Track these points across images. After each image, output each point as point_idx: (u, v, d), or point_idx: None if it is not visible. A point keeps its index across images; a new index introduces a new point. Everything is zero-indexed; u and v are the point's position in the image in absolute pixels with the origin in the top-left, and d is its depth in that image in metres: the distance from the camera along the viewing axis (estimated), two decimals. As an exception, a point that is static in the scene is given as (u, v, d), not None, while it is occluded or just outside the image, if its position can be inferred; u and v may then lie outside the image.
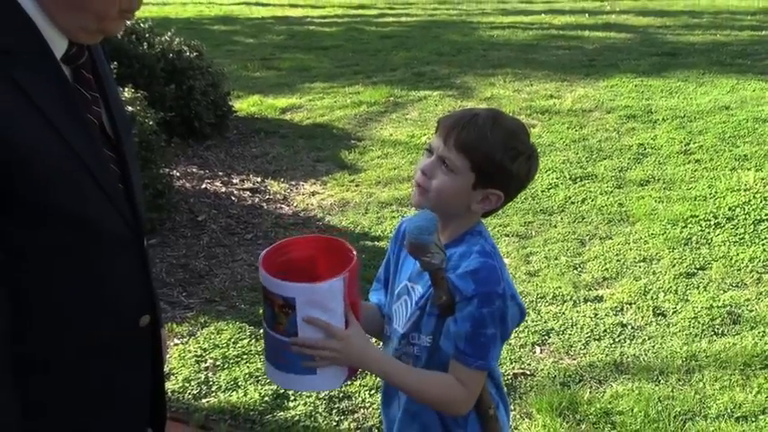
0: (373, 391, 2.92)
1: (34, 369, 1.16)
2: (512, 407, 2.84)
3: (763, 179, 5.08)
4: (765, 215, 4.54)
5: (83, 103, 1.21)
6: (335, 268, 1.44)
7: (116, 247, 1.26)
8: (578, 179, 5.24)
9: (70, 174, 1.14)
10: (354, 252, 1.49)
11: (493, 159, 1.44)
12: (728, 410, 2.82)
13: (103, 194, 1.20)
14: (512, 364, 3.14)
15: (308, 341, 1.40)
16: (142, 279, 1.35)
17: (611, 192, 5.02)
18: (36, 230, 1.12)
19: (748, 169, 5.29)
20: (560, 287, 3.78)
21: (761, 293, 3.68)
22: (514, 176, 1.48)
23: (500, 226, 4.44)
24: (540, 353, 3.25)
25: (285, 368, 1.47)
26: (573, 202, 4.87)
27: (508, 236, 4.37)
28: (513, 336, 3.28)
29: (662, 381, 3.01)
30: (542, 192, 5.02)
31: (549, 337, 3.35)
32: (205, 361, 3.20)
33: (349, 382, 2.96)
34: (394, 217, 4.68)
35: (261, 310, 3.47)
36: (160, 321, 1.44)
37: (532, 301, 3.63)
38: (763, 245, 4.19)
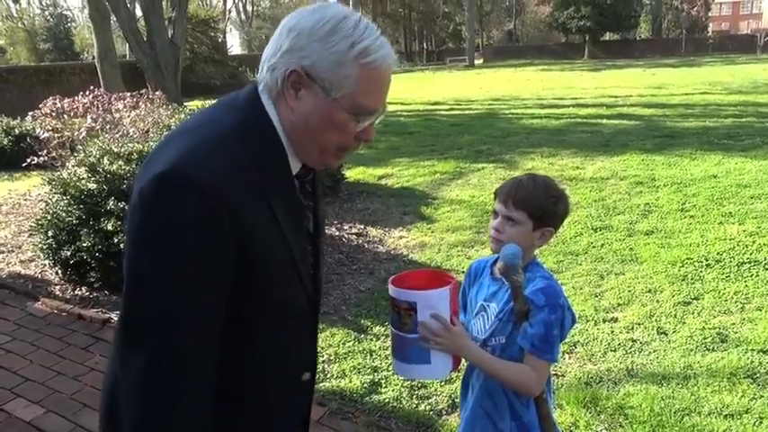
0: (444, 383, 2.90)
1: (228, 399, 1.11)
2: (547, 399, 2.77)
3: (744, 231, 4.83)
4: (746, 258, 4.29)
5: (300, 210, 1.18)
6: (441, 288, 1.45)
7: (296, 317, 1.19)
8: (598, 229, 5.10)
9: (284, 266, 1.11)
10: (455, 277, 1.51)
11: (542, 207, 1.48)
12: (718, 409, 2.65)
13: (299, 279, 1.15)
14: (547, 366, 3.06)
15: (429, 327, 1.39)
16: (310, 344, 1.27)
17: (624, 239, 4.86)
18: (248, 301, 1.08)
19: (732, 223, 5.03)
20: (584, 310, 3.66)
21: (744, 319, 3.46)
22: (559, 214, 1.52)
23: (538, 263, 4.36)
24: (569, 359, 3.16)
25: (407, 360, 1.44)
26: (594, 247, 4.73)
27: (544, 271, 4.28)
28: (548, 345, 3.21)
29: (664, 384, 2.87)
30: (570, 239, 4.91)
31: (576, 348, 3.25)
32: (322, 356, 3.23)
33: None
34: (459, 255, 4.67)
35: (369, 322, 3.52)
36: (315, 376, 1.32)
37: (563, 320, 3.54)
38: (745, 281, 3.96)
